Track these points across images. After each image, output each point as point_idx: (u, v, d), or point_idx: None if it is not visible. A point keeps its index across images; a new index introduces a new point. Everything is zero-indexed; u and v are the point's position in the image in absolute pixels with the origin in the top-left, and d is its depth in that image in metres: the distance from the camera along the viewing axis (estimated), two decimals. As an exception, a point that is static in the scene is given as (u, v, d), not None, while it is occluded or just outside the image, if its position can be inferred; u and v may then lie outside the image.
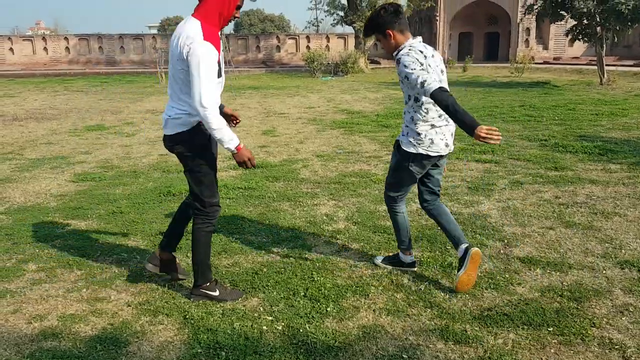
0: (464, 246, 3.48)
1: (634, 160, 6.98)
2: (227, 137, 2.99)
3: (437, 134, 3.36)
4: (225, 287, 3.47)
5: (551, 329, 3.00)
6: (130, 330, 3.03)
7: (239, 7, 3.05)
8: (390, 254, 3.94)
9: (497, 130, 2.89)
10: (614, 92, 16.43)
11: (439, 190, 3.66)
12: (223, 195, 5.50)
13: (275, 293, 3.43)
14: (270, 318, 3.14)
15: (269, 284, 3.56)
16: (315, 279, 3.62)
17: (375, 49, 42.71)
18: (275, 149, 8.51)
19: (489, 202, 5.37)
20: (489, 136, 2.86)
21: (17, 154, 8.43)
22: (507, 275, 3.69)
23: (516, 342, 2.88)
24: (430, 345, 2.87)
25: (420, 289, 3.50)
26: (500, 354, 2.76)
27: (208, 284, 3.36)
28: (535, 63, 29.63)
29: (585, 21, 18.86)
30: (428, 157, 3.39)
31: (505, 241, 4.32)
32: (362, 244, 4.29)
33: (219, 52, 2.98)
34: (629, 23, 17.52)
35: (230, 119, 3.51)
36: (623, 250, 4.09)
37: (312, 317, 3.13)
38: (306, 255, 4.06)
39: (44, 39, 43.84)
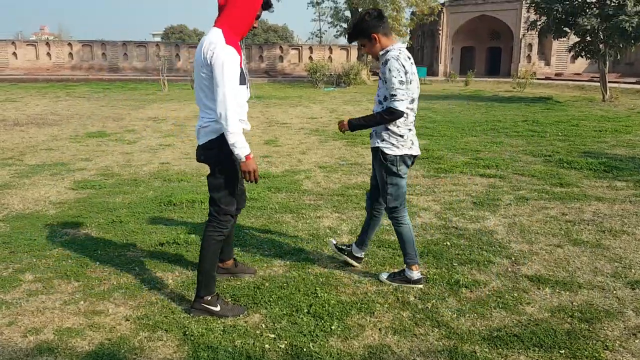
0: (362, 254, 3.99)
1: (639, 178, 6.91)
2: (240, 143, 3.05)
3: (414, 136, 3.57)
4: (227, 302, 3.39)
5: (563, 351, 2.91)
6: (128, 346, 2.93)
7: (257, 17, 3.19)
8: (396, 270, 3.85)
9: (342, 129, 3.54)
10: (617, 109, 16.40)
11: None
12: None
13: (277, 309, 3.34)
14: (273, 336, 3.04)
15: (272, 299, 3.47)
16: (319, 294, 3.53)
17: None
18: (278, 159, 8.44)
19: (494, 217, 5.29)
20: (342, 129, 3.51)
21: (17, 160, 8.36)
22: (515, 294, 3.60)
23: (527, 365, 2.79)
24: (438, 367, 2.77)
25: (427, 307, 3.41)
26: (511, 377, 2.67)
27: (209, 297, 3.29)
28: (537, 78, 29.68)
29: (588, 38, 18.89)
30: (410, 156, 3.55)
31: (513, 258, 4.24)
32: (366, 258, 4.19)
33: (240, 58, 3.09)
34: (632, 40, 17.55)
35: None
36: (633, 270, 4.00)
37: (316, 335, 3.04)
38: (309, 270, 3.97)
39: (47, 44, 43.93)
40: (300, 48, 44.99)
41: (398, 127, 3.46)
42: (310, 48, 44.75)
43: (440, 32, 40.17)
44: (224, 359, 2.80)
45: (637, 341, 3.01)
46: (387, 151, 3.49)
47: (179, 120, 13.69)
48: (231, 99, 2.97)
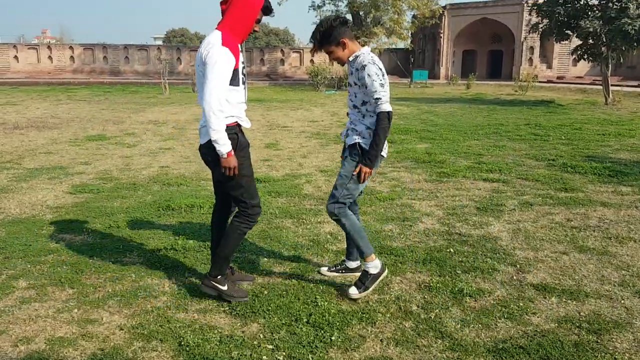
0: (358, 262, 3.88)
1: (645, 183, 6.81)
2: (222, 140, 3.14)
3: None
4: (234, 283, 3.58)
5: (571, 364, 2.81)
6: (122, 357, 2.84)
7: (258, 21, 3.27)
8: (359, 278, 3.65)
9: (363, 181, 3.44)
10: (620, 112, 16.30)
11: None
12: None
13: (276, 318, 3.25)
14: (271, 347, 2.95)
15: (270, 308, 3.37)
16: (319, 303, 3.44)
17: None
18: (278, 162, 8.35)
19: (498, 223, 5.20)
20: (364, 177, 3.40)
21: (15, 163, 8.28)
22: (521, 304, 3.50)
23: (534, 378, 2.69)
24: (442, 380, 2.68)
25: (430, 317, 3.31)
26: (517, 392, 2.58)
27: (220, 277, 3.45)
28: (539, 81, 29.59)
29: (590, 41, 18.80)
30: (382, 158, 3.52)
31: (518, 266, 4.14)
32: (367, 266, 4.10)
33: (237, 59, 3.18)
34: (635, 43, 17.45)
35: None
36: (641, 279, 3.90)
37: (316, 346, 2.94)
38: (309, 277, 3.88)
39: (49, 47, 43.93)
40: (301, 51, 44.94)
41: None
42: (312, 51, 44.62)
43: (441, 35, 40.10)
44: (220, 371, 2.71)
45: (647, 353, 2.92)
46: (366, 147, 3.46)
47: (179, 123, 13.62)
48: (217, 97, 3.07)
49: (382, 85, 3.32)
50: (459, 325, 3.20)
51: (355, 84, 3.41)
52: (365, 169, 3.38)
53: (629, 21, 16.73)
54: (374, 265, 3.57)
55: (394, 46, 37.58)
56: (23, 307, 3.41)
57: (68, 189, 6.65)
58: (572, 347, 2.96)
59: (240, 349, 2.91)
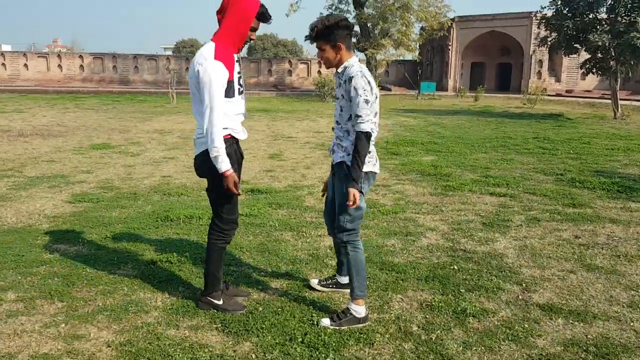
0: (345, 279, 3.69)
1: (656, 199, 6.64)
2: (221, 158, 3.12)
3: (376, 152, 3.43)
4: (229, 297, 3.55)
5: (578, 392, 2.66)
6: (107, 376, 2.72)
7: (253, 29, 3.19)
8: (339, 311, 3.42)
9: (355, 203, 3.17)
10: (629, 126, 16.11)
11: None
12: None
13: (270, 337, 3.12)
14: (263, 367, 2.82)
15: (264, 326, 3.24)
16: (316, 322, 3.30)
17: (387, 76, 42.75)
18: (281, 173, 8.25)
19: (504, 239, 5.05)
20: (353, 202, 3.15)
21: (16, 171, 8.22)
22: (526, 325, 3.36)
23: (539, 407, 2.54)
24: (442, 407, 2.54)
25: (431, 338, 3.17)
26: (521, 421, 2.43)
27: (214, 292, 3.46)
28: (548, 95, 29.41)
29: (599, 55, 18.66)
30: (374, 174, 3.38)
31: (524, 285, 3.99)
32: (367, 282, 3.96)
33: (231, 71, 3.14)
34: (644, 57, 17.30)
35: None
36: (652, 300, 3.75)
37: (310, 368, 2.81)
38: (307, 294, 3.75)
39: (58, 56, 44.24)
40: (309, 62, 44.99)
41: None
42: (319, 62, 44.73)
43: (449, 47, 40.04)
44: (208, 394, 2.58)
45: (659, 381, 2.77)
46: None
47: (184, 132, 13.56)
48: (217, 116, 3.07)
49: (366, 102, 3.12)
50: (460, 348, 3.06)
51: (343, 97, 3.22)
52: (353, 191, 3.15)
53: (638, 35, 16.59)
54: (358, 310, 3.29)
55: (401, 58, 37.50)
56: (9, 321, 3.30)
57: (67, 198, 6.56)
58: (580, 373, 2.81)
59: (231, 370, 2.79)
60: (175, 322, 3.31)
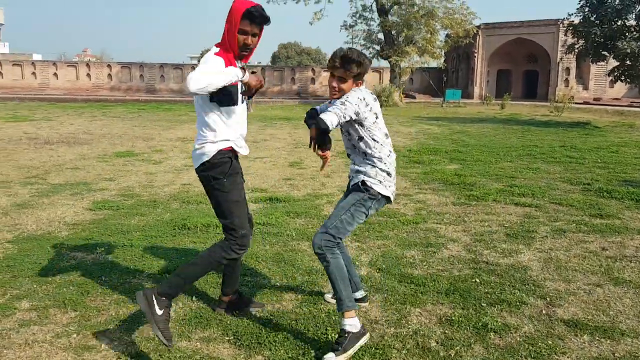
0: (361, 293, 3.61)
1: (689, 210, 6.39)
2: (226, 76, 2.88)
3: (394, 177, 3.31)
4: (169, 321, 2.97)
5: (605, 415, 2.52)
6: (114, 389, 2.67)
7: (244, 33, 3.00)
8: (335, 338, 3.16)
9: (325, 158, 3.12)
10: (660, 135, 15.68)
11: None
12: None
13: (282, 351, 3.03)
14: (274, 383, 2.73)
15: (277, 339, 3.16)
16: (330, 336, 3.21)
17: (411, 83, 42.53)
18: (300, 182, 8.18)
19: (529, 251, 4.89)
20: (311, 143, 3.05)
21: (40, 179, 8.31)
22: (550, 342, 3.21)
23: None
24: None
25: (450, 354, 3.05)
26: None
27: (163, 299, 2.97)
28: (575, 103, 28.90)
29: (628, 62, 18.28)
30: (386, 199, 3.26)
31: (548, 299, 3.84)
32: (385, 295, 3.86)
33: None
34: (675, 64, 16.87)
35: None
36: (685, 317, 3.56)
37: (322, 384, 2.72)
38: (322, 306, 3.66)
39: (87, 65, 45.20)
40: (333, 70, 45.02)
41: (385, 163, 3.21)
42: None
43: (475, 54, 39.69)
44: (216, 410, 2.50)
45: (693, 405, 2.60)
46: (375, 188, 3.17)
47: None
48: (199, 75, 2.76)
49: (343, 103, 3.00)
50: (480, 366, 2.93)
51: (347, 121, 3.07)
52: (311, 131, 3.07)
53: (670, 41, 16.19)
54: (353, 323, 3.04)
55: (426, 65, 37.28)
56: (21, 330, 3.28)
57: (88, 205, 6.60)
58: (607, 396, 2.66)
59: (241, 385, 2.71)
60: (187, 334, 3.25)
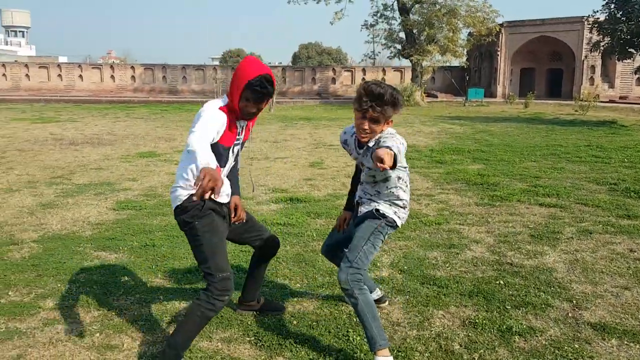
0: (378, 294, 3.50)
1: None
2: (199, 155, 2.50)
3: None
4: None
5: (635, 423, 2.44)
6: (136, 389, 2.68)
7: (247, 100, 2.80)
8: None
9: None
10: (690, 133, 15.30)
11: None
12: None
13: (303, 353, 3.01)
14: (295, 385, 2.72)
15: (298, 341, 3.14)
16: (351, 338, 3.18)
17: (433, 83, 42.23)
18: (321, 182, 8.16)
19: (554, 253, 4.79)
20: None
21: (65, 179, 8.43)
22: (576, 346, 3.14)
23: None
24: None
25: (474, 358, 3.00)
26: None
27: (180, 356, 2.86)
28: (601, 101, 28.39)
29: (657, 59, 17.88)
30: (396, 227, 3.11)
31: (574, 302, 3.76)
32: (407, 296, 3.82)
33: (231, 135, 2.88)
34: None
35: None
36: None
37: (343, 387, 2.69)
38: (343, 308, 3.63)
39: (111, 67, 45.86)
40: (353, 70, 44.96)
41: (404, 191, 3.06)
42: (364, 70, 44.64)
43: (498, 53, 39.24)
44: (237, 411, 2.49)
45: None
46: (391, 216, 3.04)
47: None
48: (201, 132, 2.61)
49: (399, 151, 2.69)
50: (505, 370, 2.88)
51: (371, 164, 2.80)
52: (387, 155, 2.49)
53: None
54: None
55: (448, 64, 36.97)
56: (45, 329, 3.32)
57: (112, 205, 6.67)
58: (637, 402, 2.59)
59: (261, 386, 2.70)
60: (208, 334, 3.25)
